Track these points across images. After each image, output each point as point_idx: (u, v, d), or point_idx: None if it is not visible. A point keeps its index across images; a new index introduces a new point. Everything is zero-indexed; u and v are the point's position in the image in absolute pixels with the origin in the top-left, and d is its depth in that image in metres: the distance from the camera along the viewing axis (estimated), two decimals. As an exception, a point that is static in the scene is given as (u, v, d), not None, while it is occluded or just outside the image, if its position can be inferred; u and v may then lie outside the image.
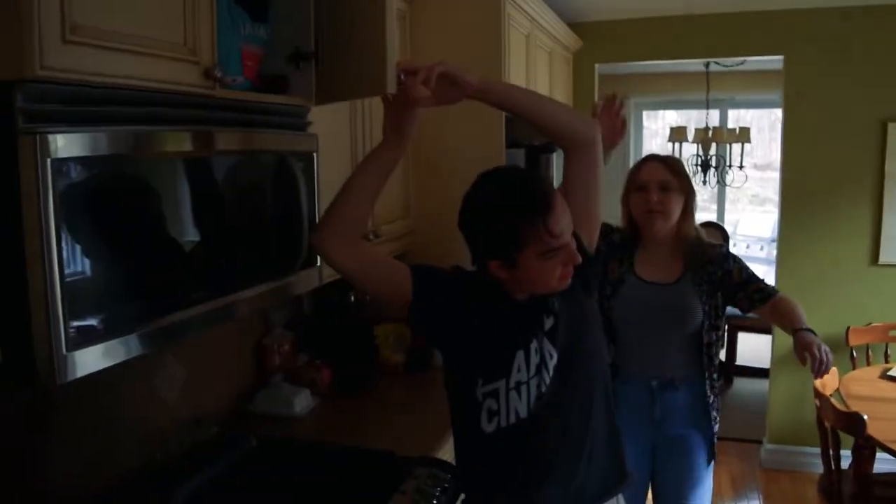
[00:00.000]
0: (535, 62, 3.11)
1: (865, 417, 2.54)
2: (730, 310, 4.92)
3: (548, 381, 1.54)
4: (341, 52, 1.66)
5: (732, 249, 5.70)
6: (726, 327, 5.35)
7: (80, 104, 1.15)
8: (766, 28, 3.80)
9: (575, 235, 1.50)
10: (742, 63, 5.02)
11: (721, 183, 5.74)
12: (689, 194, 2.29)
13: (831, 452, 2.81)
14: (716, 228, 6.14)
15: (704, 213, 6.71)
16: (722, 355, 5.54)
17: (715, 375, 2.31)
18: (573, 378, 1.57)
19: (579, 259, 1.49)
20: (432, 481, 1.82)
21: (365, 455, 1.93)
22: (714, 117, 6.39)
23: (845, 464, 2.84)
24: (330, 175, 2.03)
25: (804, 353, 2.02)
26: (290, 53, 1.69)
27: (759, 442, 4.27)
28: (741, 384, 5.35)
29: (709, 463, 2.37)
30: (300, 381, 2.39)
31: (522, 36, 2.93)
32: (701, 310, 2.26)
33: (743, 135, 5.14)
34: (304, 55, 1.68)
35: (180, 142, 1.42)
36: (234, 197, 1.60)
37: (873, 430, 2.61)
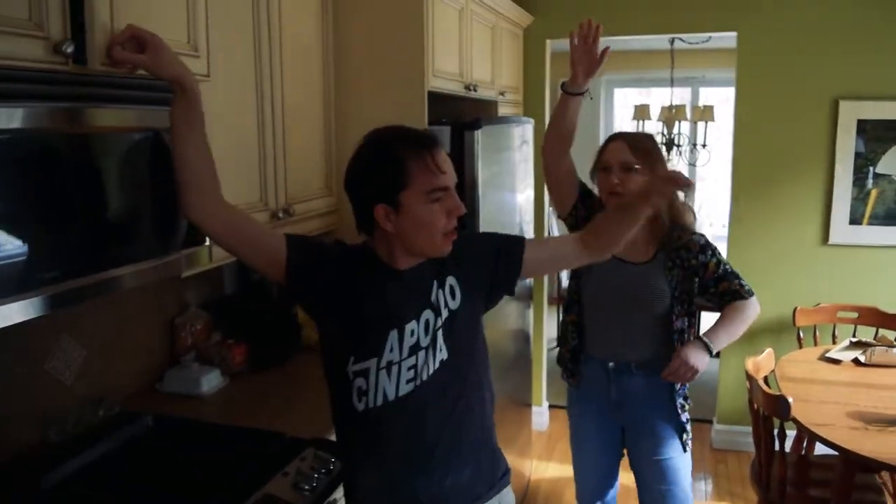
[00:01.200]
0: (471, 38, 3.05)
1: (790, 400, 2.52)
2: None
3: (430, 371, 1.54)
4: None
5: (700, 229, 5.68)
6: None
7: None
8: (721, 4, 3.75)
9: (504, 250, 1.62)
10: (707, 40, 4.95)
11: (689, 163, 5.69)
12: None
13: (762, 435, 2.79)
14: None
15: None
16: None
17: None
18: (457, 377, 1.57)
19: (463, 209, 1.50)
20: (318, 463, 1.81)
21: (256, 435, 1.92)
22: (686, 95, 6.34)
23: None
24: (227, 150, 2.01)
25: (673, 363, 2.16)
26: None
27: (711, 422, 4.27)
28: (702, 364, 5.31)
29: (684, 450, 2.40)
30: (211, 361, 2.37)
31: (454, 10, 2.87)
32: (669, 293, 2.23)
33: (707, 113, 5.08)
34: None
35: (43, 118, 1.38)
36: (105, 174, 1.56)
37: (800, 412, 2.59)
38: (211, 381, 2.29)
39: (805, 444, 3.09)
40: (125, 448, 1.90)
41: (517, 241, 1.68)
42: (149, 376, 2.32)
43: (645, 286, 2.23)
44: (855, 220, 3.73)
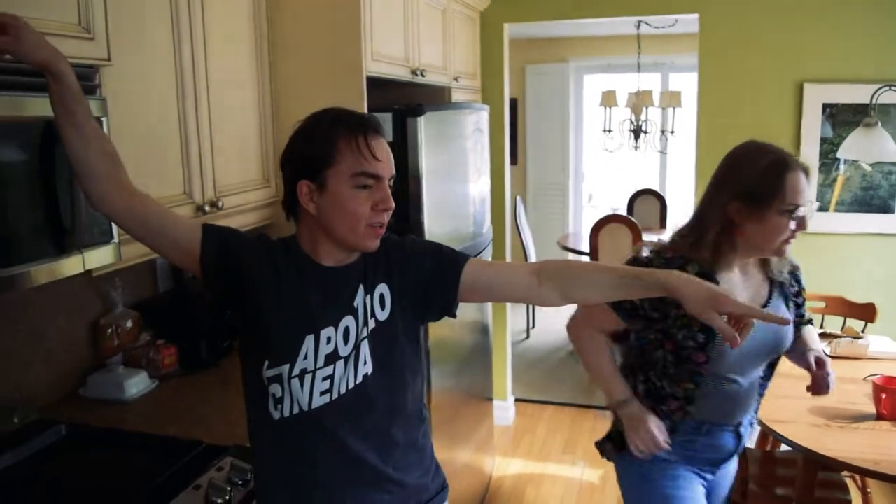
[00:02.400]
0: (418, 21, 2.93)
1: (748, 394, 2.43)
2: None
3: (349, 384, 1.42)
4: None
5: (670, 219, 5.59)
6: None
7: None
8: (683, -15, 3.65)
9: (442, 267, 1.48)
10: (674, 24, 4.85)
11: (659, 150, 5.60)
12: None
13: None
14: (654, 196, 6.03)
15: (642, 181, 6.61)
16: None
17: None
18: (382, 394, 1.45)
19: (391, 204, 1.40)
20: (235, 474, 1.70)
21: (172, 443, 1.80)
22: (656, 82, 6.25)
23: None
24: (142, 141, 1.89)
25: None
26: None
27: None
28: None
29: None
30: (139, 363, 2.25)
31: (396, -8, 2.75)
32: (793, 329, 1.97)
33: (674, 98, 4.98)
34: None
35: None
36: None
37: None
38: (137, 384, 2.17)
39: (770, 440, 3.02)
40: (34, 459, 1.78)
41: (457, 259, 1.50)
42: (72, 381, 2.20)
43: (777, 331, 1.86)
44: (821, 207, 3.65)
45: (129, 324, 2.31)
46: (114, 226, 1.72)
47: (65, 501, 1.61)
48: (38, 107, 1.46)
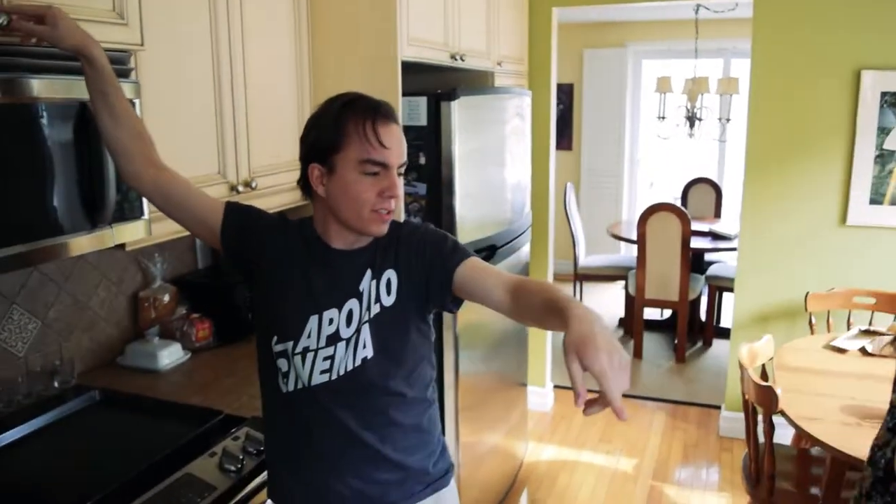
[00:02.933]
0: (459, 6, 2.93)
1: (779, 391, 2.38)
2: (716, 269, 4.64)
3: (348, 366, 1.44)
4: None
5: (724, 207, 5.42)
6: (708, 287, 5.18)
7: None
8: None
9: (441, 260, 1.44)
10: (734, 8, 4.71)
11: (716, 138, 5.46)
12: None
13: (752, 426, 2.67)
14: (709, 184, 5.90)
15: (699, 169, 6.46)
16: (703, 315, 5.37)
17: None
18: (379, 379, 1.46)
19: (398, 192, 1.41)
20: (250, 443, 1.78)
21: (193, 412, 1.90)
22: (717, 67, 6.08)
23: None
24: (177, 122, 1.96)
25: None
26: None
27: (719, 408, 4.13)
28: (721, 346, 5.16)
29: None
30: (173, 335, 2.35)
31: (437, -29, 2.75)
32: None
33: (731, 85, 4.84)
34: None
35: None
36: (25, 145, 1.52)
37: (790, 405, 2.46)
38: (170, 355, 2.27)
39: (806, 439, 2.95)
40: (67, 421, 1.90)
41: (455, 256, 1.45)
42: (110, 350, 2.32)
43: None
44: (875, 199, 3.51)
45: (166, 297, 2.41)
46: (145, 203, 1.81)
47: (88, 460, 1.71)
48: (76, 89, 1.54)
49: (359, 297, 1.46)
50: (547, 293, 1.26)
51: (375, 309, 1.46)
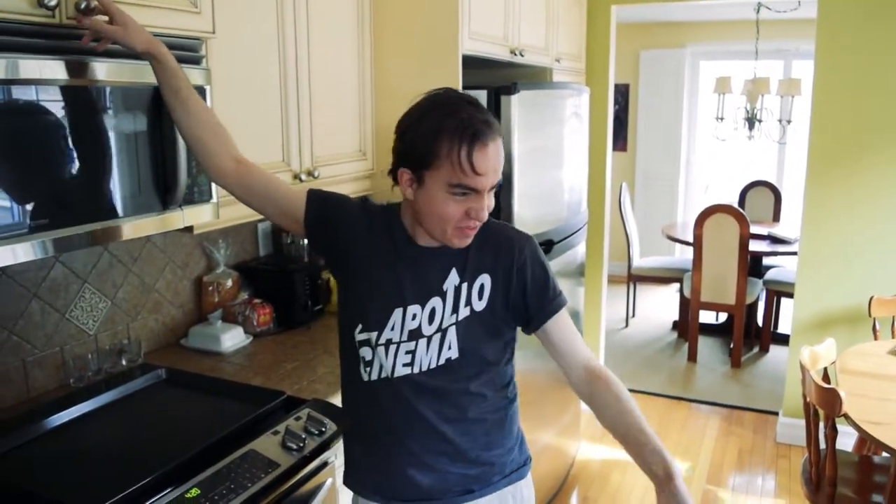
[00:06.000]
0: (519, 1, 2.94)
1: (843, 394, 2.33)
2: (774, 273, 4.56)
3: (431, 363, 1.45)
4: None
5: (783, 211, 5.29)
6: (766, 291, 5.07)
7: None
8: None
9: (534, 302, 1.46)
10: (797, 8, 4.61)
11: (776, 140, 5.35)
12: None
13: (813, 430, 2.61)
14: (768, 187, 5.78)
15: (758, 172, 6.32)
16: (760, 320, 5.25)
17: None
18: (460, 381, 1.47)
19: (485, 216, 1.37)
20: (312, 424, 1.80)
21: (257, 392, 1.94)
22: (778, 69, 5.96)
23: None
24: (243, 108, 2.01)
25: None
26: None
27: (776, 414, 4.04)
28: (778, 352, 5.05)
29: None
30: (235, 319, 2.40)
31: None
32: None
33: (793, 86, 4.73)
34: None
35: (35, 70, 1.41)
36: (100, 128, 1.58)
37: (854, 408, 2.39)
38: (233, 338, 2.32)
39: (869, 445, 2.87)
40: (134, 397, 1.96)
41: (554, 304, 1.48)
42: (175, 331, 2.38)
43: None
44: (946, 204, 3.40)
45: (229, 282, 2.47)
46: (214, 187, 1.86)
47: (155, 435, 1.76)
48: (145, 73, 1.59)
49: (442, 296, 1.45)
50: (632, 417, 1.40)
51: (465, 312, 1.45)
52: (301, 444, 1.72)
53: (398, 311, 1.45)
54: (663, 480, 1.31)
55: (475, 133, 1.30)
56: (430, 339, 1.44)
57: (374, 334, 1.46)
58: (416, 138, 1.35)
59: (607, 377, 1.45)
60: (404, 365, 1.45)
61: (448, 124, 1.31)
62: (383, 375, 1.47)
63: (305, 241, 2.28)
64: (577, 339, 1.50)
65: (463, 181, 1.31)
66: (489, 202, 1.38)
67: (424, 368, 1.45)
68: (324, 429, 1.79)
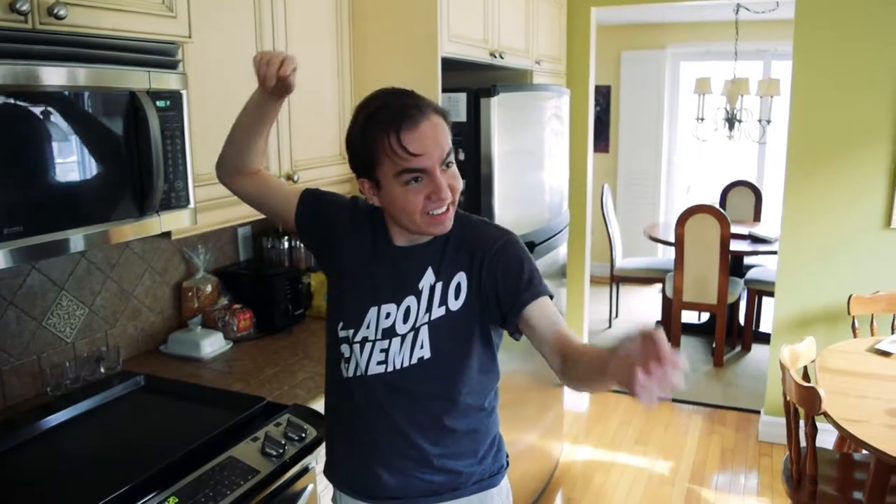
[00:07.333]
0: (499, 3, 2.94)
1: (822, 392, 2.34)
2: (755, 272, 4.64)
3: (403, 363, 1.43)
4: None
5: (764, 211, 5.34)
6: (747, 291, 5.10)
7: None
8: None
9: (511, 292, 1.38)
10: (775, 9, 4.65)
11: (756, 140, 5.39)
12: None
13: (794, 429, 2.63)
14: (748, 187, 5.82)
15: (739, 172, 6.37)
16: (742, 319, 5.29)
17: None
18: (434, 382, 1.44)
19: (445, 195, 1.34)
20: (292, 429, 1.79)
21: (236, 398, 1.93)
22: (757, 70, 6.00)
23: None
24: (219, 113, 1.99)
25: None
26: None
27: (758, 412, 4.06)
28: (760, 351, 5.08)
29: None
30: (215, 325, 2.39)
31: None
32: None
33: (772, 87, 4.77)
34: None
35: (9, 76, 1.39)
36: (75, 133, 1.56)
37: (834, 406, 2.41)
38: (212, 344, 2.31)
39: (849, 442, 2.89)
40: (113, 404, 1.94)
41: (530, 291, 1.39)
42: (154, 338, 2.36)
43: None
44: (928, 206, 3.44)
45: (209, 288, 2.45)
46: (191, 192, 1.85)
47: (133, 442, 1.75)
48: (124, 79, 1.58)
49: (417, 294, 1.44)
50: (592, 353, 1.26)
51: (440, 311, 1.42)
52: (281, 451, 1.71)
53: (373, 310, 1.46)
54: (618, 349, 1.09)
55: (401, 117, 1.31)
56: (403, 337, 1.44)
57: (351, 331, 1.47)
58: (356, 145, 1.37)
59: (569, 345, 1.34)
60: (378, 363, 1.45)
61: (375, 119, 1.33)
62: (358, 373, 1.47)
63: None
64: (554, 330, 1.37)
65: (404, 166, 1.31)
66: (451, 181, 1.36)
67: (398, 367, 1.43)
68: (304, 434, 1.79)
